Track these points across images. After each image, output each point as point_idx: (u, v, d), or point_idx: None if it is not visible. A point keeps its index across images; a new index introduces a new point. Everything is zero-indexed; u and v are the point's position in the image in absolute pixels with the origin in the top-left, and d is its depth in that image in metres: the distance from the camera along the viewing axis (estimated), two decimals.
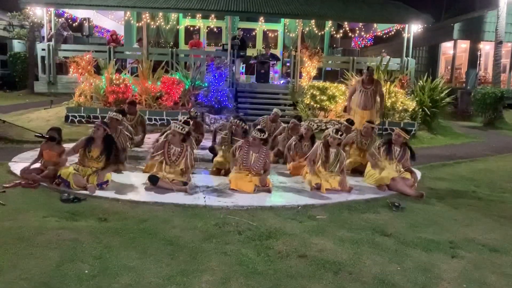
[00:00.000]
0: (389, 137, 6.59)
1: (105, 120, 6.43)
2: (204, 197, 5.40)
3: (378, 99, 8.70)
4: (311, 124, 7.34)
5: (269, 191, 5.76)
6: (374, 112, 8.60)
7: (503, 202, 5.94)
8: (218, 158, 6.82)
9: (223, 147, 6.83)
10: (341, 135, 6.16)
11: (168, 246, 3.92)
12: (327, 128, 8.36)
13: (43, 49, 13.50)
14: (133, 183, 5.95)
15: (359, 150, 7.29)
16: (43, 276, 3.24)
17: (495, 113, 14.45)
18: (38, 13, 14.48)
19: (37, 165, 5.97)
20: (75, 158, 5.95)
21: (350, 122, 7.96)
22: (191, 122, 7.36)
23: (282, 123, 8.87)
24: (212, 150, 7.61)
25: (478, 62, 18.63)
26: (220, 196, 5.51)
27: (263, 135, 5.94)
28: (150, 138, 8.85)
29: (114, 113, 6.80)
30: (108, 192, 5.43)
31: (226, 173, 6.30)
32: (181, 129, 5.75)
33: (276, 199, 5.56)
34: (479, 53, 18.47)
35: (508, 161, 9.08)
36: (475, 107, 14.93)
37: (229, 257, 3.74)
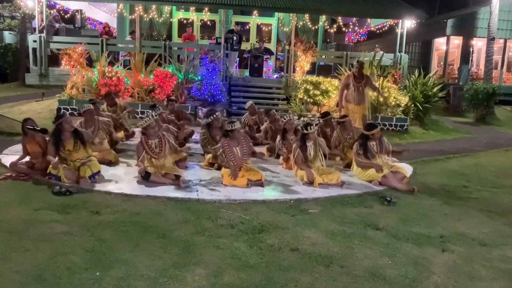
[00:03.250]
0: (360, 137, 6.56)
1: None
2: (197, 191, 5.40)
3: (369, 93, 8.83)
4: (289, 116, 7.38)
5: (261, 185, 5.77)
6: (366, 107, 8.73)
7: (493, 197, 6.00)
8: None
9: (209, 147, 6.83)
10: (310, 129, 6.17)
11: (161, 239, 3.93)
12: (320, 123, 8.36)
13: (35, 41, 13.33)
14: (125, 176, 5.93)
15: (347, 147, 7.35)
16: (35, 269, 3.23)
17: (487, 109, 14.54)
18: (29, 4, 14.28)
19: (27, 158, 5.93)
20: None
21: (325, 114, 8.06)
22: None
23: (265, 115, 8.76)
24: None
25: (471, 58, 18.73)
26: (213, 189, 5.51)
27: (231, 126, 5.94)
28: None
29: (86, 105, 6.99)
30: (100, 185, 5.42)
31: (219, 167, 6.30)
32: (145, 122, 5.78)
33: (269, 193, 5.57)
34: (471, 49, 18.56)
35: (498, 157, 9.16)
36: (467, 103, 15.01)
37: (221, 251, 3.75)
